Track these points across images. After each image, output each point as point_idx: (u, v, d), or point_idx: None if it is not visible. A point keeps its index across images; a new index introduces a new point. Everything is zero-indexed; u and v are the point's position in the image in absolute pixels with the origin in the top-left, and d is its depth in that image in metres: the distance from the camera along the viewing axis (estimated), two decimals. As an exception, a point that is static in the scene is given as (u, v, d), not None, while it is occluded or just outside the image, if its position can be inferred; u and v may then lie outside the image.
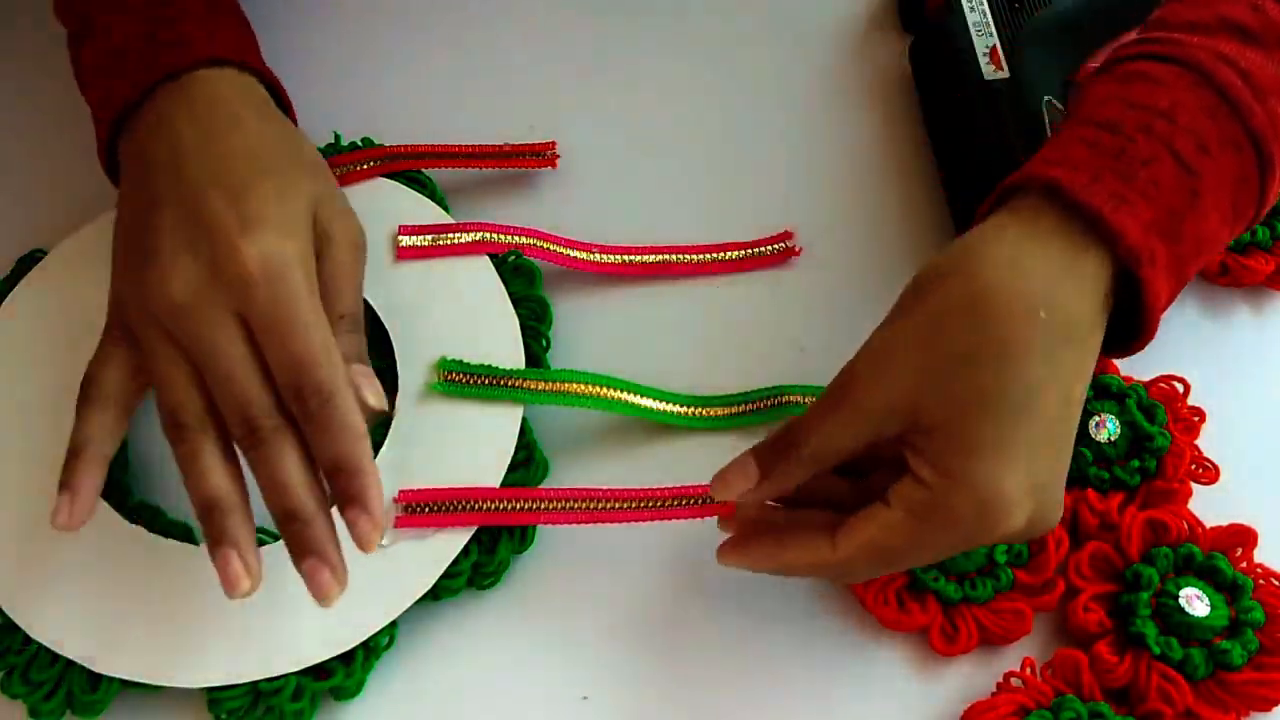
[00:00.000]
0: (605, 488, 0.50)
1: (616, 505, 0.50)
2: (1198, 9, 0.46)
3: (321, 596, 0.43)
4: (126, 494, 0.52)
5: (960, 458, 0.41)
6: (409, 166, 0.59)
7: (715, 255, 0.58)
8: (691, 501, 0.49)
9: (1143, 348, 0.45)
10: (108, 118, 0.50)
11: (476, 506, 0.50)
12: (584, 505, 0.50)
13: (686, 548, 0.51)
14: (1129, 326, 0.45)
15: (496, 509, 0.50)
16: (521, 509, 0.50)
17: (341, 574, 0.43)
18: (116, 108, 0.49)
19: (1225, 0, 0.46)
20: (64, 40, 0.54)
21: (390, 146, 0.59)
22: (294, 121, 0.53)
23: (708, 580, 0.50)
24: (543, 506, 0.50)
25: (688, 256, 0.58)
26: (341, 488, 0.43)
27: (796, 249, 0.58)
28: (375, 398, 0.47)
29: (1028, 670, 0.48)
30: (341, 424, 0.43)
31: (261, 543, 0.49)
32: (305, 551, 0.43)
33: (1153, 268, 0.42)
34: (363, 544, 0.43)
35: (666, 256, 0.58)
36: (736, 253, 0.58)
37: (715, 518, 0.48)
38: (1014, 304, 0.41)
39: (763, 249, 0.58)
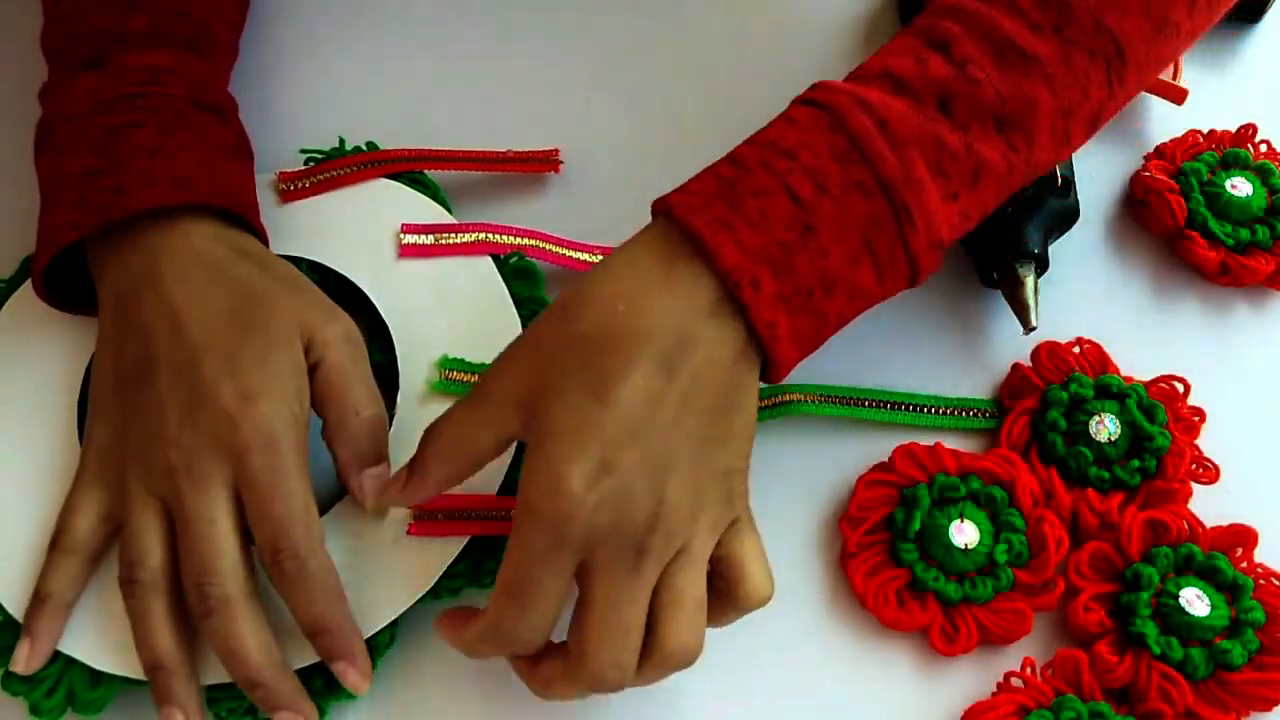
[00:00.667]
0: None
1: None
2: (873, 59, 0.47)
3: None
4: None
5: (538, 442, 0.42)
6: (412, 169, 0.59)
7: None
8: None
9: (775, 378, 0.45)
10: (45, 255, 0.50)
11: (491, 515, 0.50)
12: None
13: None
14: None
15: (509, 517, 0.49)
16: None
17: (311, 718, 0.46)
18: (59, 244, 0.49)
19: (897, 53, 0.47)
20: None
21: (394, 150, 0.59)
22: (260, 232, 0.53)
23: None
24: None
25: None
26: (325, 646, 0.46)
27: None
28: (375, 508, 0.49)
29: (1028, 670, 0.48)
30: (319, 585, 0.46)
31: None
32: (276, 708, 0.46)
33: (756, 293, 0.43)
34: (355, 690, 0.47)
35: None
36: None
37: None
38: (595, 300, 0.43)
39: None
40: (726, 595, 0.44)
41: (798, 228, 0.43)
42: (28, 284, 0.55)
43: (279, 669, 0.46)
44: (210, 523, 0.45)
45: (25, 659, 0.46)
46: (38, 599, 0.47)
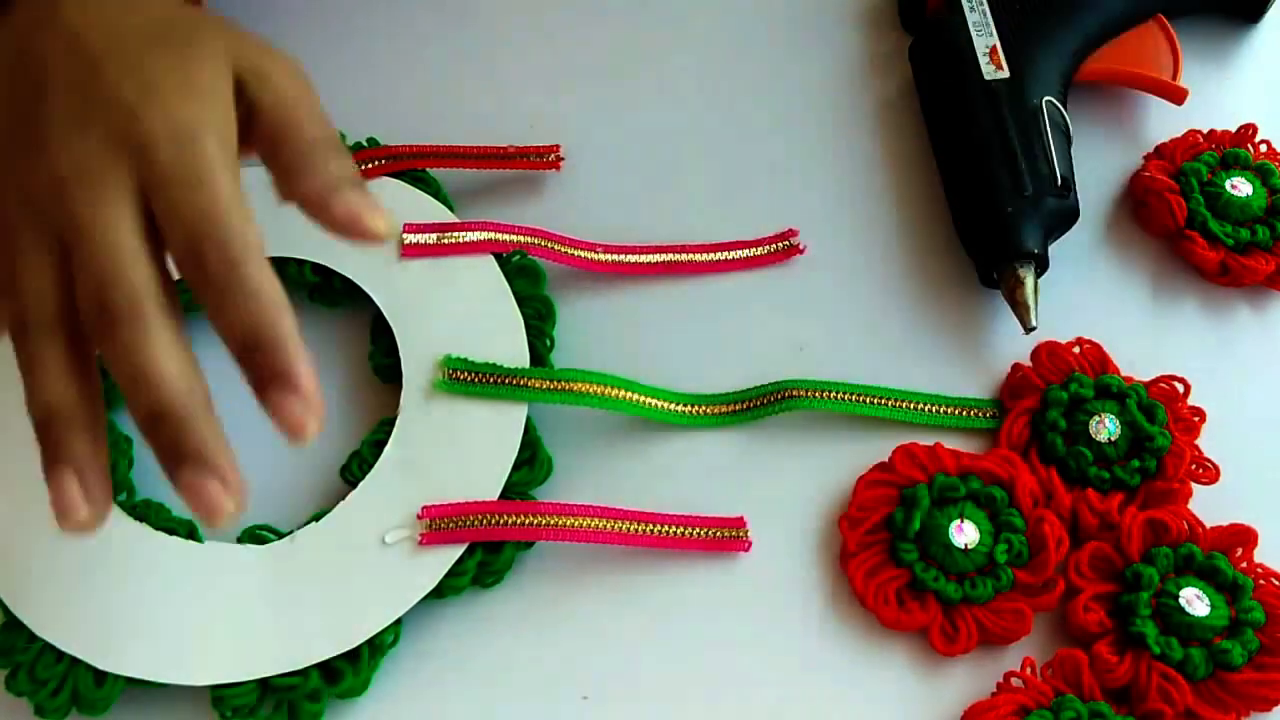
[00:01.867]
0: (638, 510, 0.50)
1: (648, 529, 0.50)
2: None
3: (210, 515, 0.35)
4: (131, 492, 0.51)
5: None
6: (413, 166, 0.58)
7: (718, 255, 0.58)
8: (714, 534, 0.50)
9: None
10: None
11: (501, 520, 0.50)
12: (615, 526, 0.50)
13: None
14: None
15: (523, 524, 0.49)
16: (547, 524, 0.49)
17: (235, 485, 0.36)
18: None
19: None
20: None
21: (395, 146, 0.59)
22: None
23: (709, 580, 0.50)
24: (569, 524, 0.49)
25: (691, 256, 0.58)
26: (259, 365, 0.36)
27: (801, 246, 0.58)
28: (383, 222, 0.40)
29: (1028, 670, 0.48)
30: (253, 290, 0.36)
31: (264, 540, 0.49)
32: (181, 458, 0.35)
33: None
34: (295, 431, 0.36)
35: (670, 256, 0.58)
36: (741, 251, 0.58)
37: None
38: None
39: (766, 248, 0.58)
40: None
41: None
42: None
43: (199, 403, 0.36)
44: (110, 229, 0.36)
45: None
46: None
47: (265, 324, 0.36)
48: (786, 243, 0.58)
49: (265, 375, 0.36)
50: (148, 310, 0.35)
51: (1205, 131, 0.61)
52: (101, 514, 0.37)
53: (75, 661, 0.47)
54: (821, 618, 0.50)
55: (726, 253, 0.58)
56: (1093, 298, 0.58)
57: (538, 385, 0.52)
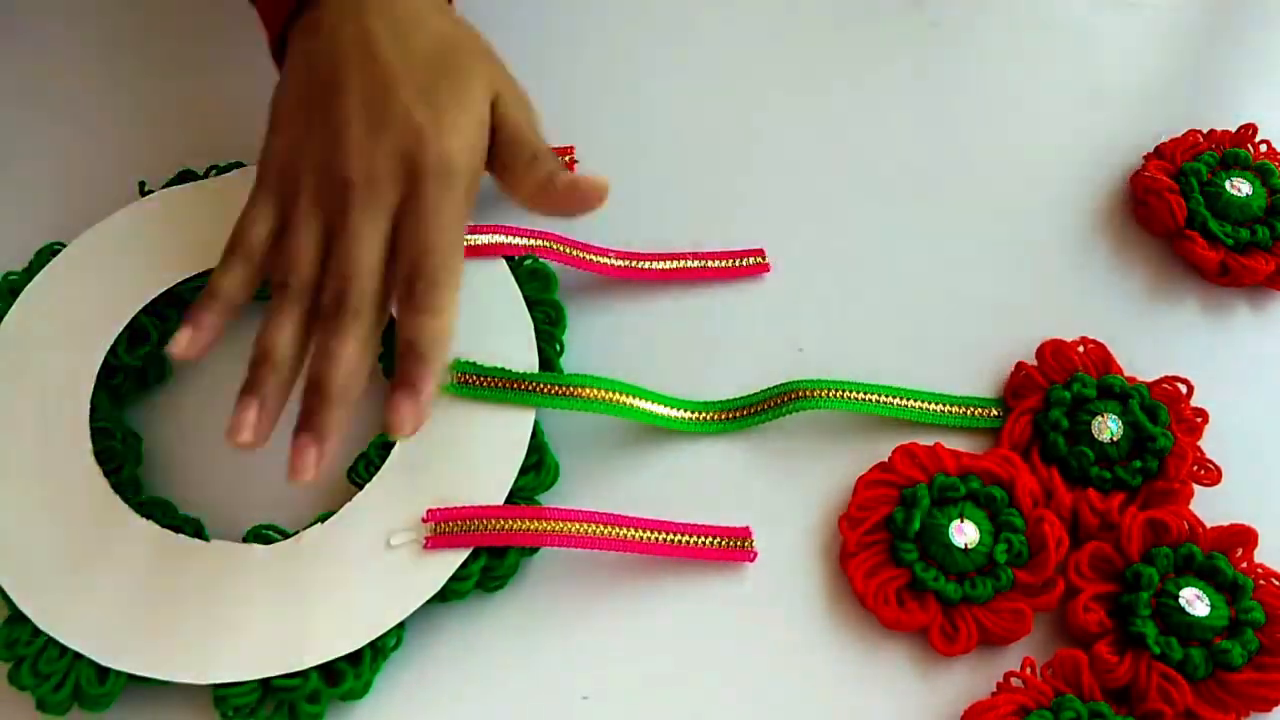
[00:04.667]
0: (644, 518, 0.50)
1: (653, 536, 0.50)
2: None
3: (297, 470, 0.44)
4: (138, 489, 0.51)
5: None
6: None
7: (726, 262, 0.58)
8: (721, 543, 0.50)
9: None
10: (282, 13, 0.52)
11: (505, 526, 0.49)
12: (620, 533, 0.49)
13: (687, 547, 0.51)
14: None
15: (528, 529, 0.49)
16: (551, 530, 0.49)
17: (322, 463, 0.44)
18: (290, 5, 0.51)
19: None
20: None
21: None
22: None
23: (709, 581, 0.50)
24: (574, 530, 0.49)
25: (699, 263, 0.58)
26: (406, 368, 0.45)
27: (766, 265, 0.58)
28: (601, 182, 0.50)
29: (1028, 670, 0.48)
30: (430, 308, 0.45)
31: (269, 540, 0.49)
32: (309, 424, 0.44)
33: None
34: (399, 426, 0.45)
35: (678, 263, 0.58)
36: (752, 259, 0.59)
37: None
38: None
39: (739, 260, 0.59)
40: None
41: None
42: (44, 275, 0.55)
43: (349, 397, 0.45)
44: (368, 240, 0.46)
45: (186, 343, 0.46)
46: (210, 295, 0.47)
47: (423, 340, 0.45)
48: (751, 260, 0.59)
49: (405, 379, 0.45)
50: (365, 316, 0.46)
51: (1205, 131, 0.61)
52: (261, 440, 0.45)
53: (78, 657, 0.47)
54: (822, 618, 0.50)
55: (736, 260, 0.58)
56: (1092, 298, 0.58)
57: (545, 390, 0.52)
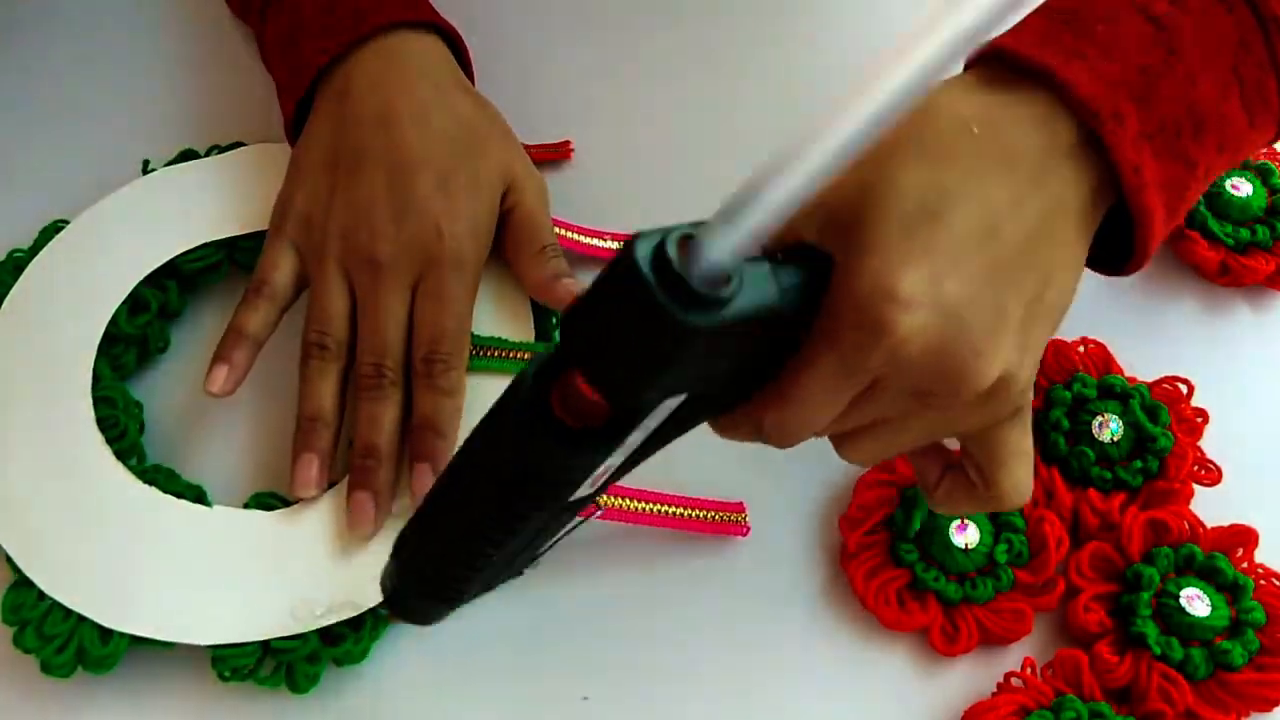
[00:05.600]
0: (641, 489, 0.50)
1: (649, 507, 0.50)
2: None
3: (357, 524, 0.48)
4: (141, 457, 0.52)
5: (856, 252, 0.35)
6: None
7: None
8: (715, 516, 0.51)
9: (1145, 252, 0.39)
10: (303, 82, 0.54)
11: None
12: (618, 503, 0.49)
13: (690, 548, 0.51)
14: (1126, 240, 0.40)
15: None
16: None
17: (382, 519, 0.49)
18: (310, 74, 0.54)
19: None
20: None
21: None
22: (470, 70, 0.58)
23: (709, 581, 0.50)
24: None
25: None
26: (419, 443, 0.50)
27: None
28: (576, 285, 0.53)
29: (1028, 670, 0.48)
30: (447, 390, 0.50)
31: (270, 506, 0.50)
32: (364, 485, 0.49)
33: (1120, 127, 0.36)
34: (419, 493, 0.49)
35: None
36: None
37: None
38: (944, 116, 0.37)
39: None
40: (977, 484, 0.40)
41: (1159, 51, 0.37)
42: (48, 251, 0.55)
43: (393, 453, 0.50)
44: (391, 316, 0.50)
45: (222, 380, 0.50)
46: (236, 334, 0.51)
47: (443, 419, 0.50)
48: None
49: (420, 451, 0.49)
50: (399, 384, 0.50)
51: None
52: (321, 488, 0.50)
53: (82, 620, 0.47)
54: (822, 618, 0.50)
55: None
56: (1092, 298, 0.57)
57: None
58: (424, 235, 0.51)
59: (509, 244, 0.54)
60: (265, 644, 0.47)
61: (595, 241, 0.58)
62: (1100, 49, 0.37)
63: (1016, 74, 0.37)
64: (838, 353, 0.35)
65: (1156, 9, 0.37)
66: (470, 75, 0.58)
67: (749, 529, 0.51)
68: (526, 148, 0.60)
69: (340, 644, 0.47)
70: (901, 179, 0.36)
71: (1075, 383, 0.53)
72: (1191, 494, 0.51)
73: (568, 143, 0.61)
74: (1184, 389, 0.53)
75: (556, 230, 0.57)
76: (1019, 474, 0.40)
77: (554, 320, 0.55)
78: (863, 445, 0.40)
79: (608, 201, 0.59)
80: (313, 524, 0.49)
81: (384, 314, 0.50)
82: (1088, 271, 0.57)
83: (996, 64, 0.38)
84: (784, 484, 0.52)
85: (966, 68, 0.40)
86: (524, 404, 0.32)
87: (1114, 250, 0.40)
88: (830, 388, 0.36)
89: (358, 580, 0.48)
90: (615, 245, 0.58)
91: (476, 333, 0.53)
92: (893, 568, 0.50)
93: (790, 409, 0.37)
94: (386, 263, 0.51)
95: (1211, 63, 0.38)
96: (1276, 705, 0.47)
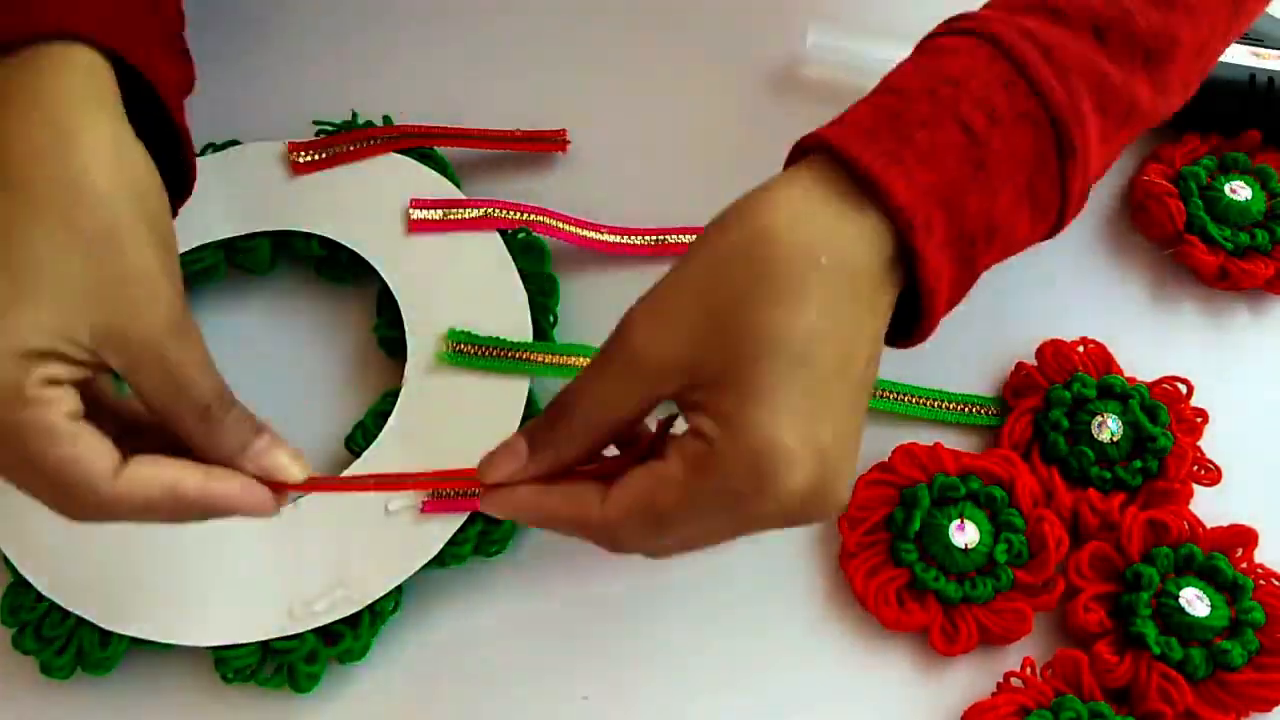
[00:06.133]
0: None
1: None
2: None
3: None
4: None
5: (737, 404, 0.37)
6: (423, 144, 0.59)
7: None
8: None
9: (924, 337, 0.42)
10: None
11: None
12: None
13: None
14: (913, 313, 0.41)
15: None
16: None
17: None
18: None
19: None
20: None
21: (405, 125, 0.60)
22: (175, 109, 0.44)
23: (710, 580, 0.50)
24: None
25: (691, 238, 0.58)
26: None
27: None
28: (295, 464, 0.41)
29: (1028, 670, 0.48)
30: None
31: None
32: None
33: (929, 236, 0.38)
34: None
35: (669, 238, 0.58)
36: None
37: None
38: (793, 248, 0.37)
39: None
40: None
41: (969, 164, 0.39)
42: None
43: None
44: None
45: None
46: None
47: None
48: None
49: None
50: None
51: (1204, 135, 0.62)
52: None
53: (81, 621, 0.47)
54: (821, 618, 0.50)
55: None
56: (1092, 301, 0.58)
57: (540, 359, 0.53)
58: None
59: (157, 414, 0.39)
60: (265, 644, 0.47)
61: (590, 234, 0.58)
62: (918, 156, 0.39)
63: (845, 175, 0.39)
64: (721, 503, 0.37)
65: (973, 122, 0.39)
66: (163, 90, 0.43)
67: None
68: (523, 135, 0.60)
69: (339, 642, 0.47)
70: (768, 326, 0.37)
71: (1075, 383, 0.53)
72: (1191, 494, 0.51)
73: (563, 132, 0.61)
74: (1184, 389, 0.53)
75: (548, 221, 0.57)
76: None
77: (552, 318, 0.55)
78: (670, 550, 0.41)
79: (602, 193, 0.60)
80: (312, 522, 0.49)
81: None
82: (1089, 272, 0.58)
83: (826, 160, 0.39)
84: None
85: (797, 151, 0.41)
86: None
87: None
88: (711, 531, 0.39)
89: (356, 576, 0.48)
90: (611, 238, 0.58)
91: (474, 332, 0.53)
92: (893, 568, 0.50)
93: (655, 538, 0.39)
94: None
95: (1012, 177, 0.40)
96: (1276, 705, 0.47)
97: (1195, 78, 0.46)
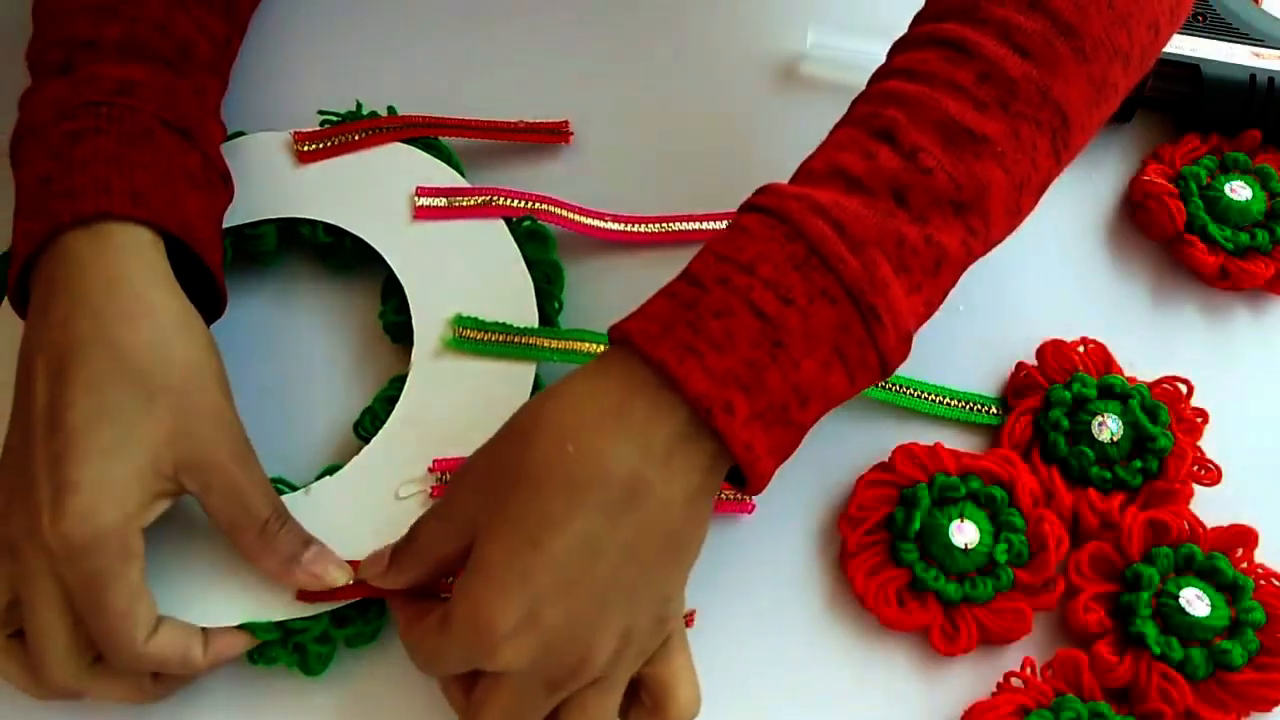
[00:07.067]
0: None
1: None
2: (818, 157, 0.45)
3: None
4: None
5: (469, 574, 0.41)
6: (427, 134, 0.59)
7: (720, 224, 0.59)
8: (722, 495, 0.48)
9: (755, 492, 0.44)
10: (13, 268, 0.47)
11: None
12: None
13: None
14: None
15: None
16: None
17: None
18: (21, 256, 0.47)
19: (843, 147, 0.45)
20: None
21: (410, 116, 0.60)
22: (217, 266, 0.50)
23: (709, 579, 0.50)
24: None
25: (695, 225, 0.59)
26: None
27: None
28: (340, 572, 0.47)
29: (1028, 670, 0.48)
30: (120, 695, 0.46)
31: (280, 492, 0.50)
32: None
33: (729, 417, 0.41)
34: None
35: (674, 226, 0.58)
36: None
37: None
38: (547, 432, 0.41)
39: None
40: (653, 711, 0.44)
41: (765, 344, 0.41)
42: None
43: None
44: (41, 614, 0.43)
45: None
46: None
47: (123, 696, 0.46)
48: None
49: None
50: (66, 689, 0.45)
51: (1204, 135, 0.62)
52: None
53: None
54: (822, 618, 0.50)
55: (724, 222, 0.59)
56: (1093, 301, 0.58)
57: (546, 345, 0.53)
58: (35, 529, 0.43)
59: (223, 528, 0.46)
60: (279, 625, 0.47)
61: (595, 222, 0.58)
62: (712, 345, 0.41)
63: (639, 362, 0.42)
64: (462, 656, 0.42)
65: (766, 308, 0.42)
66: (216, 271, 0.50)
67: (754, 507, 0.51)
68: (526, 126, 0.61)
69: (349, 625, 0.47)
70: (510, 506, 0.41)
71: (1075, 383, 0.53)
72: (1191, 494, 0.51)
73: (566, 123, 0.61)
74: (1184, 389, 0.53)
75: (553, 209, 0.57)
76: (686, 694, 0.44)
77: (558, 305, 0.55)
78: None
79: (604, 185, 0.60)
80: (322, 509, 0.49)
81: (33, 612, 0.43)
82: (1091, 272, 0.58)
83: (622, 349, 0.43)
84: (784, 484, 0.52)
85: (613, 340, 0.44)
86: None
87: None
88: (450, 666, 0.43)
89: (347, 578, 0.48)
90: (615, 225, 0.58)
91: (480, 317, 0.53)
92: (893, 567, 0.50)
93: (430, 668, 0.44)
94: (16, 548, 0.43)
95: (815, 348, 0.42)
96: (1276, 705, 0.47)
97: (1029, 200, 0.47)
